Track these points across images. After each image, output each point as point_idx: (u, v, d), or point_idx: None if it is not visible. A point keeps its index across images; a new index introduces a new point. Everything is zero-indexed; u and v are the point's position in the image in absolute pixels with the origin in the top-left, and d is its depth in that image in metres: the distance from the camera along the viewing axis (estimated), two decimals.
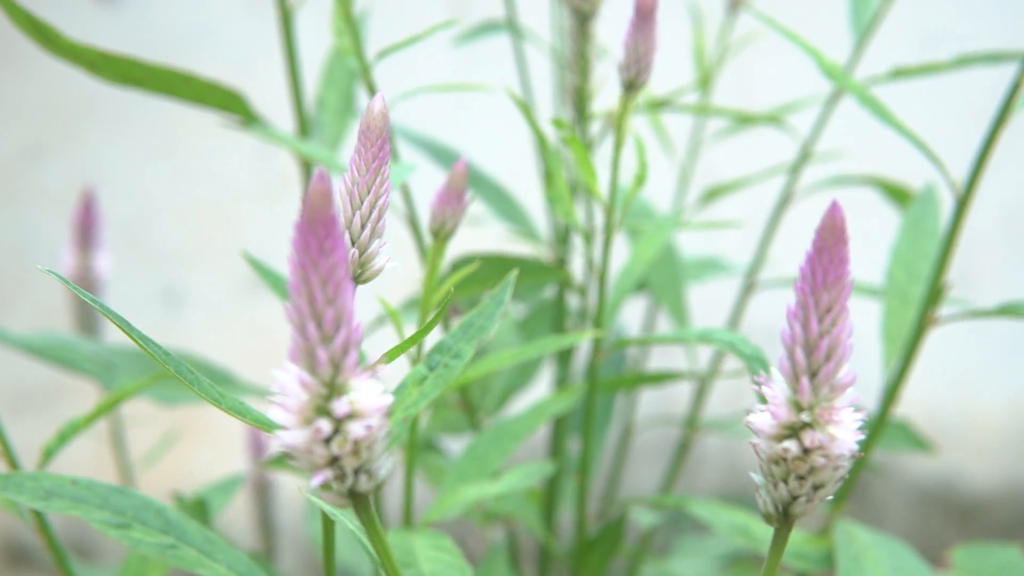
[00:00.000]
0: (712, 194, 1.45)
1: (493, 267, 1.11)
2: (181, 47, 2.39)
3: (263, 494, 1.29)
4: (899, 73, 1.14)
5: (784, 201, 1.36)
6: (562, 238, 1.31)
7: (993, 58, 1.08)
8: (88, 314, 1.23)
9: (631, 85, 0.82)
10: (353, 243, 0.66)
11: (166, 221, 2.46)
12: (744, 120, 1.33)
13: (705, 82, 1.27)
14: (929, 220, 1.16)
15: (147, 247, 2.46)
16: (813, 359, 0.59)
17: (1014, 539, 2.92)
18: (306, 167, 1.09)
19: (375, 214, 0.66)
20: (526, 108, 0.93)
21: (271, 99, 2.44)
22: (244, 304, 2.50)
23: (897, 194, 1.36)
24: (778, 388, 0.59)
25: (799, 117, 1.63)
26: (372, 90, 0.94)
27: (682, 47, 1.63)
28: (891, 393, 1.09)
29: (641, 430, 1.91)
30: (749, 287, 1.45)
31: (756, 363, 0.83)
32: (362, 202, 0.65)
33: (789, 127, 1.44)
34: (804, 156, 1.32)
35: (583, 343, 1.27)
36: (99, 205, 1.21)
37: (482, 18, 1.22)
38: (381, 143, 0.65)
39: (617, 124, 0.83)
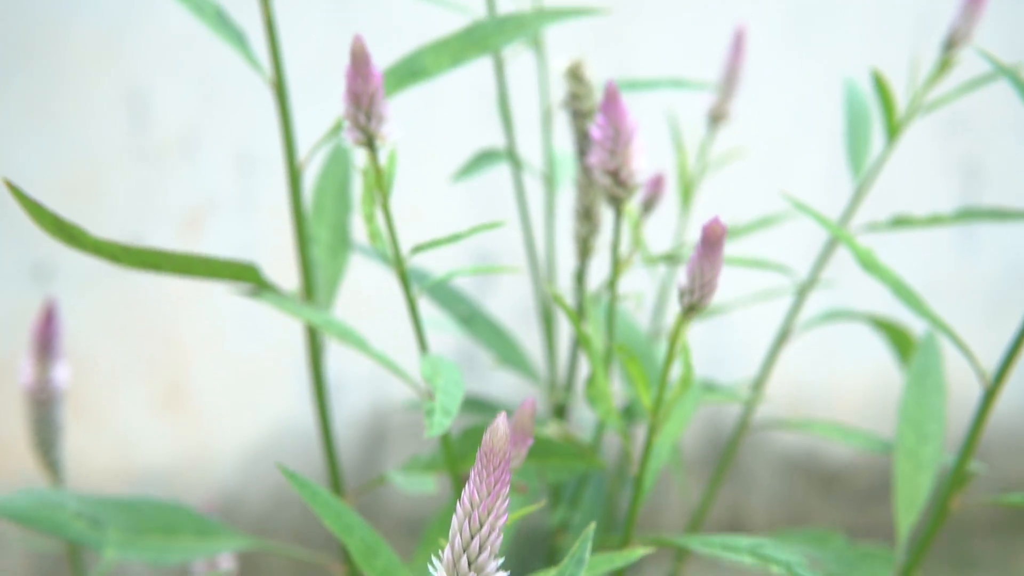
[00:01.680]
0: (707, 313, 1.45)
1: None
2: (55, 11, 2.33)
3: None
4: (900, 222, 1.14)
5: (782, 337, 1.35)
6: (567, 385, 1.29)
7: (998, 215, 1.08)
8: (48, 430, 1.20)
9: (692, 308, 0.84)
10: (470, 566, 0.66)
11: (35, 193, 2.39)
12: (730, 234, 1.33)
13: (687, 195, 1.28)
14: (934, 373, 1.15)
15: (14, 220, 2.39)
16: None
17: (873, 505, 3.02)
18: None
19: (494, 535, 0.66)
20: (549, 321, 0.93)
21: (145, 73, 2.41)
22: (116, 278, 2.46)
23: (897, 337, 1.34)
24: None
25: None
26: (406, 281, 0.91)
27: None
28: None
29: None
30: (742, 427, 1.45)
31: None
32: (482, 525, 0.65)
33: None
34: (801, 291, 1.31)
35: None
36: (60, 318, 1.18)
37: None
38: (503, 466, 0.65)
39: (672, 339, 0.84)
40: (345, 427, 2.65)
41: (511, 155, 1.12)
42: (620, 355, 0.87)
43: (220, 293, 2.51)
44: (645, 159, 0.85)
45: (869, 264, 0.95)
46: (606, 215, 1.07)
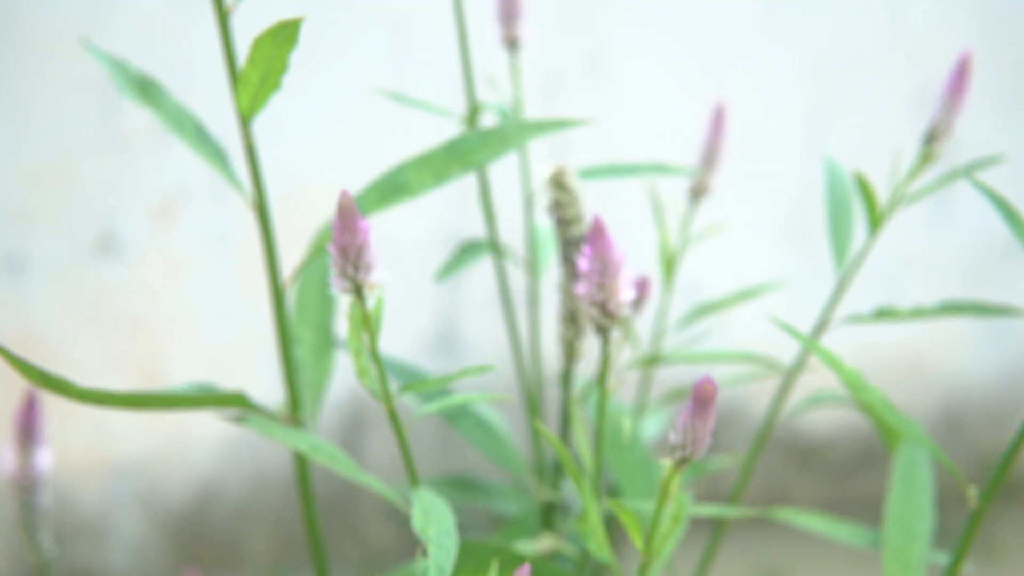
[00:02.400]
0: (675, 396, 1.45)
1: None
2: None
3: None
4: (883, 314, 1.13)
5: (768, 425, 1.34)
6: (552, 482, 1.28)
7: (980, 309, 1.07)
8: (32, 515, 1.19)
9: (683, 461, 0.85)
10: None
11: (4, 183, 2.38)
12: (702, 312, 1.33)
13: (669, 270, 1.28)
14: (919, 470, 1.15)
15: None
16: None
17: (850, 477, 3.04)
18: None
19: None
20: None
21: (116, 49, 2.38)
22: (89, 269, 2.45)
23: (887, 431, 1.33)
24: None
25: None
26: (395, 418, 0.91)
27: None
28: None
29: None
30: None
31: None
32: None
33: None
34: (788, 375, 1.30)
35: None
36: (41, 406, 1.18)
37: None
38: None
39: (662, 488, 0.85)
40: (325, 413, 2.65)
41: (494, 246, 1.11)
42: (612, 506, 0.88)
43: (193, 283, 2.51)
44: (632, 291, 0.86)
45: (855, 385, 0.95)
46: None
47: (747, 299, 1.36)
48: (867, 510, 2.97)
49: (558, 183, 1.00)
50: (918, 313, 1.08)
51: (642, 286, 1.21)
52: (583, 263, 0.86)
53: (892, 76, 2.80)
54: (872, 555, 2.75)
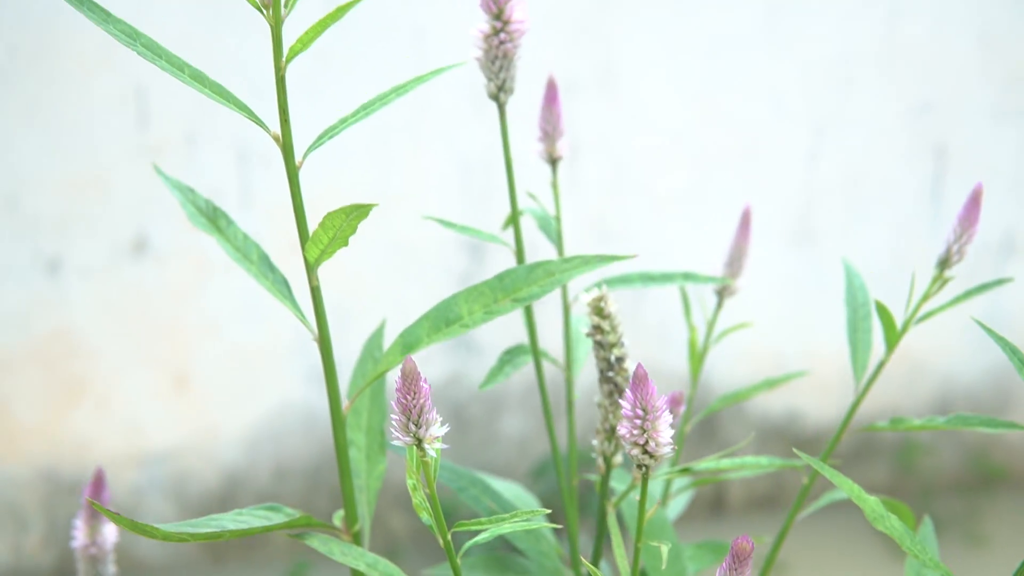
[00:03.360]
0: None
1: None
2: (59, 17, 2.38)
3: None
4: (897, 423, 1.18)
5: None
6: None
7: (988, 423, 1.13)
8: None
9: None
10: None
11: (43, 190, 2.46)
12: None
13: (696, 366, 1.33)
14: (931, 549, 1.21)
15: (25, 216, 2.47)
16: None
17: (848, 470, 3.13)
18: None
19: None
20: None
21: (149, 69, 2.46)
22: (124, 271, 2.53)
23: (899, 512, 1.36)
24: None
25: None
26: (450, 551, 0.97)
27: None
28: None
29: None
30: None
31: None
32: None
33: None
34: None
35: None
36: (106, 481, 1.26)
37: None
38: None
39: None
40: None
41: (535, 353, 1.17)
42: None
43: (221, 283, 2.60)
44: (672, 432, 0.90)
45: (877, 518, 1.02)
46: None
47: (770, 388, 1.40)
48: None
49: (598, 309, 1.05)
50: (930, 425, 1.15)
51: (675, 402, 1.28)
52: (626, 408, 0.92)
53: (891, 86, 2.87)
54: (869, 550, 2.85)
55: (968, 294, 1.17)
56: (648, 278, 1.14)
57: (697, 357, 1.31)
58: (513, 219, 1.14)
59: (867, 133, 2.90)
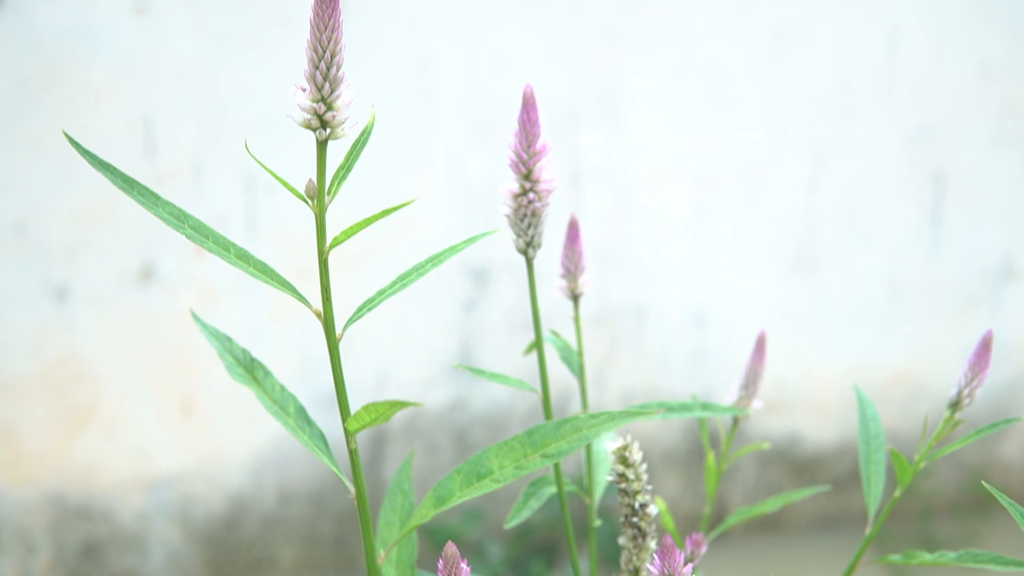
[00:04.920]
0: None
1: None
2: (68, 48, 2.41)
3: None
4: (909, 557, 1.19)
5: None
6: None
7: (999, 561, 1.15)
8: None
9: None
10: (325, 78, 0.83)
11: (52, 218, 2.49)
12: None
13: (713, 484, 1.36)
14: None
15: (34, 245, 2.50)
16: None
17: (847, 491, 3.16)
18: None
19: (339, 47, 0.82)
20: None
21: (157, 98, 2.50)
22: (132, 298, 2.56)
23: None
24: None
25: None
26: None
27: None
28: None
29: None
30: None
31: None
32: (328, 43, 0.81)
33: None
34: None
35: None
36: None
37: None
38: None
39: None
40: None
41: (558, 481, 1.19)
42: None
43: (227, 310, 2.63)
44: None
45: None
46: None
47: (786, 503, 1.40)
48: (860, 522, 3.09)
49: (622, 458, 1.09)
50: (940, 560, 1.17)
51: (697, 544, 1.30)
52: (652, 570, 0.94)
53: (890, 113, 2.90)
54: (860, 570, 2.87)
55: (979, 432, 1.19)
56: (669, 408, 1.16)
57: (714, 476, 1.33)
58: (535, 346, 1.16)
59: (867, 160, 2.93)
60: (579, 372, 1.19)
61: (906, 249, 3.03)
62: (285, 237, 2.60)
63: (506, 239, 2.72)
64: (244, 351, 1.07)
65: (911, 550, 1.18)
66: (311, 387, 2.70)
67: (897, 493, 1.18)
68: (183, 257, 2.57)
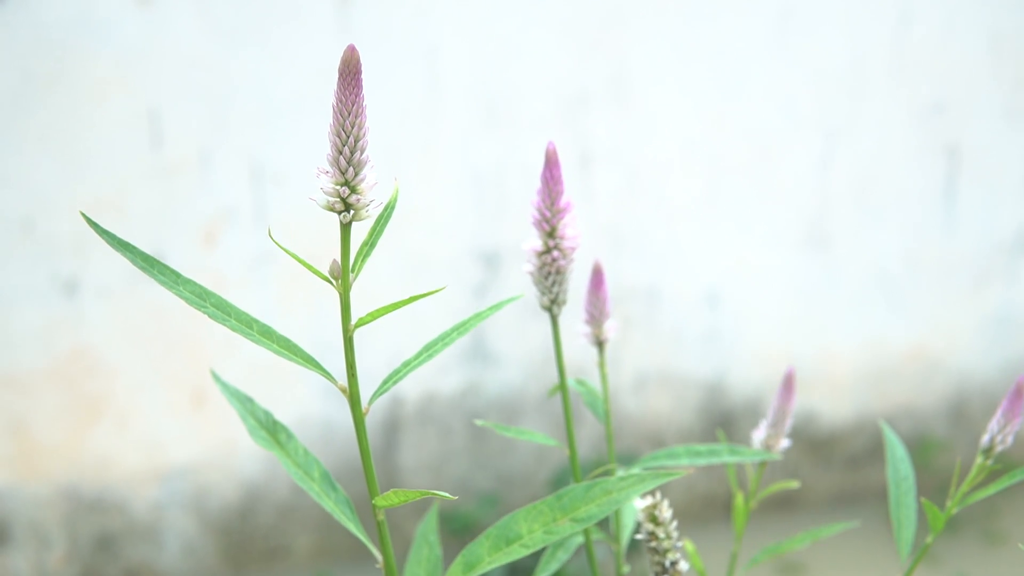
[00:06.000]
0: None
1: None
2: (72, 41, 2.39)
3: None
4: None
5: None
6: None
7: None
8: None
9: None
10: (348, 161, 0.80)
11: (60, 212, 2.47)
12: None
13: (741, 524, 1.33)
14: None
15: (42, 238, 2.48)
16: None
17: (861, 467, 3.15)
18: None
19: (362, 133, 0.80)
20: None
21: (163, 90, 2.47)
22: (141, 290, 2.54)
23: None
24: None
25: None
26: None
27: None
28: None
29: None
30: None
31: None
32: (352, 128, 0.79)
33: None
34: None
35: None
36: None
37: None
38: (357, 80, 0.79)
39: None
40: None
41: (586, 531, 1.17)
42: None
43: (237, 299, 2.61)
44: None
45: None
46: None
47: (813, 540, 1.37)
48: (876, 499, 3.09)
49: (652, 517, 1.07)
50: None
51: None
52: None
53: (902, 89, 2.87)
54: (876, 548, 2.86)
55: (1012, 476, 1.16)
56: (695, 453, 1.14)
57: (742, 515, 1.32)
58: (559, 389, 1.14)
59: (879, 136, 2.90)
60: (605, 419, 1.17)
61: (919, 225, 3.00)
62: (294, 227, 2.58)
63: (516, 223, 2.69)
64: (266, 413, 1.05)
65: None
66: (317, 380, 2.68)
67: (929, 539, 1.16)
68: (192, 247, 2.55)
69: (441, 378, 2.80)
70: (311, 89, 2.54)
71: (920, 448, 3.14)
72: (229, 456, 2.70)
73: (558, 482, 2.79)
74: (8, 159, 2.42)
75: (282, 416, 2.66)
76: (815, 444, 3.10)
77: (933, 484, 3.15)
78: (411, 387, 2.78)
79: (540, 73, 2.67)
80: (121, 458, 2.64)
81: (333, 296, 2.50)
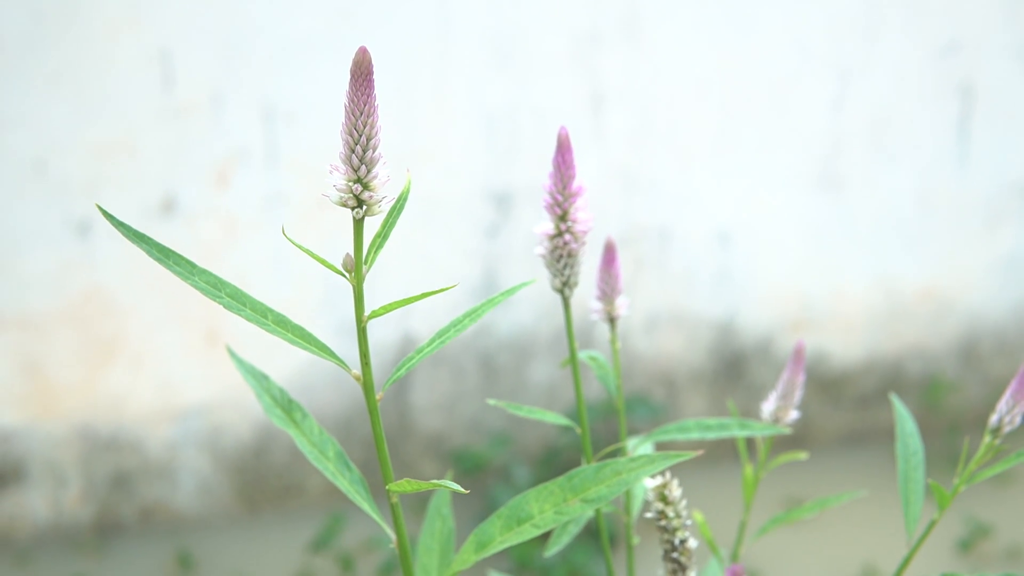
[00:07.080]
0: None
1: None
2: None
3: None
4: None
5: None
6: None
7: None
8: None
9: None
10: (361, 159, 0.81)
11: (72, 154, 2.47)
12: None
13: (749, 496, 1.33)
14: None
15: (55, 180, 2.48)
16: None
17: (871, 407, 3.16)
18: None
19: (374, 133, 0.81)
20: None
21: (173, 31, 2.46)
22: (154, 231, 2.55)
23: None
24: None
25: None
26: None
27: None
28: None
29: None
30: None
31: None
32: (363, 128, 0.80)
33: None
34: None
35: None
36: None
37: None
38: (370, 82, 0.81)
39: None
40: (374, 355, 2.77)
41: (598, 515, 1.17)
42: None
43: (250, 240, 2.62)
44: None
45: None
46: None
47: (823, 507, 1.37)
48: (886, 438, 3.11)
49: (662, 496, 1.08)
50: None
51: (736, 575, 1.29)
52: None
53: (916, 28, 2.85)
54: (883, 487, 2.89)
55: (1020, 455, 1.15)
56: (705, 427, 1.15)
57: (751, 486, 1.32)
58: (575, 382, 1.15)
59: (892, 76, 2.88)
60: (617, 394, 1.17)
61: (933, 165, 2.99)
62: (308, 168, 2.58)
63: (528, 164, 2.69)
64: (281, 391, 1.06)
65: (950, 573, 1.16)
66: (335, 316, 2.69)
67: (936, 516, 1.16)
68: (205, 188, 2.55)
69: (452, 318, 2.81)
70: (323, 28, 2.52)
71: (930, 389, 3.14)
72: (243, 395, 2.72)
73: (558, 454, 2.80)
74: (19, 100, 2.42)
75: (295, 357, 2.68)
76: (825, 384, 3.11)
77: (942, 425, 3.16)
78: (423, 327, 2.79)
79: (552, 12, 2.65)
80: (136, 398, 2.66)
81: (346, 237, 2.51)
